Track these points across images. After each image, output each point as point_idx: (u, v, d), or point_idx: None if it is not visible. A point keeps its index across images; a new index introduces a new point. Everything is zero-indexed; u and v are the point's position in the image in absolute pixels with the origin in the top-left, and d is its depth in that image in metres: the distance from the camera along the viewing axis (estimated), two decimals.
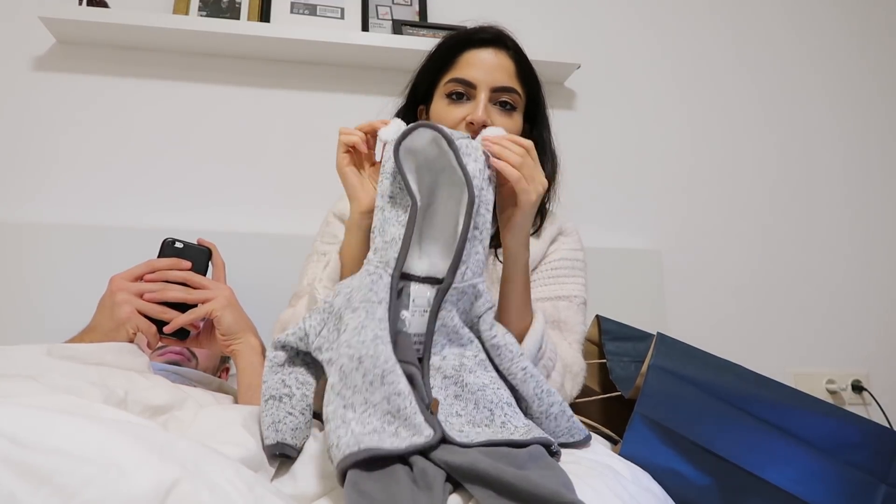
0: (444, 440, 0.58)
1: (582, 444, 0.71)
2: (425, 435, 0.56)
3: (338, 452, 0.54)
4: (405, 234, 0.66)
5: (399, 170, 0.68)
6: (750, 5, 1.88)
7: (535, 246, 0.99)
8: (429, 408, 0.61)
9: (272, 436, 0.62)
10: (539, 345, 0.80)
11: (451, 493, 0.53)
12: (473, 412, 0.63)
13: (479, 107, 0.90)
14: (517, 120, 0.95)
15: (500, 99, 0.93)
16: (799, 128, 1.83)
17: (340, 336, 0.62)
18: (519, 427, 0.62)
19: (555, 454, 0.60)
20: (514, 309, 0.81)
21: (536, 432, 0.61)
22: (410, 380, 0.61)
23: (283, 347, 0.67)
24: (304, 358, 0.69)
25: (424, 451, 0.56)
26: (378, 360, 0.58)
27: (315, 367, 0.69)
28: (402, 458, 0.55)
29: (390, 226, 0.68)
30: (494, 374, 0.68)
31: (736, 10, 1.86)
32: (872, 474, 0.72)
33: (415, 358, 0.65)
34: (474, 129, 0.90)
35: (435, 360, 0.66)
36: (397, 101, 1.06)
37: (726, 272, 1.71)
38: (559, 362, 0.86)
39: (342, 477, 0.52)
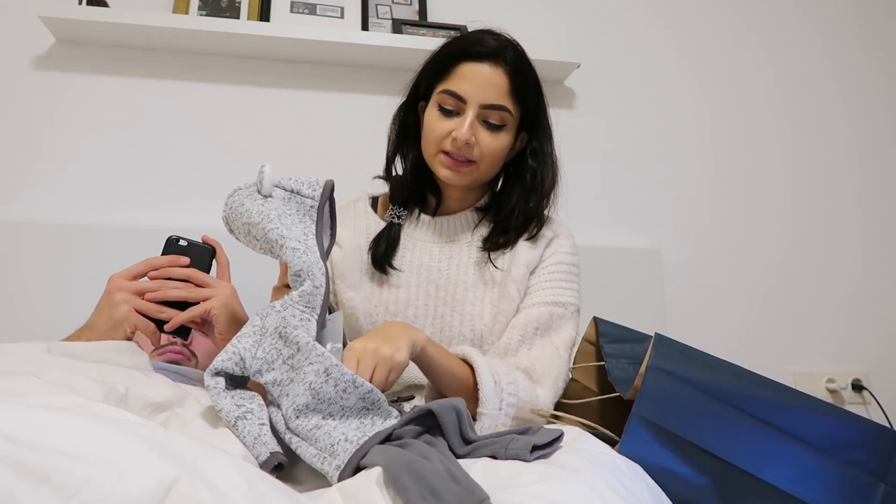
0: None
1: None
2: (394, 416, 0.65)
3: (349, 445, 0.59)
4: (327, 285, 0.72)
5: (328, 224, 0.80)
6: (750, 3, 1.87)
7: (531, 250, 1.00)
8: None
9: (262, 450, 0.60)
10: (493, 384, 0.84)
11: None
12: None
13: (464, 124, 0.93)
14: (503, 139, 0.97)
15: (488, 118, 0.95)
16: (799, 127, 1.83)
17: (296, 355, 0.66)
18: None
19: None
20: (445, 384, 0.86)
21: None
22: None
23: (220, 374, 0.66)
24: (239, 381, 0.69)
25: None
26: (342, 368, 0.64)
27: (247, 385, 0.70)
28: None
29: (318, 271, 0.72)
30: None
31: (736, 9, 1.86)
32: (871, 473, 0.72)
33: None
34: (458, 144, 0.93)
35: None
36: (396, 100, 1.07)
37: (726, 272, 1.71)
38: (520, 382, 0.88)
39: (354, 470, 0.56)
